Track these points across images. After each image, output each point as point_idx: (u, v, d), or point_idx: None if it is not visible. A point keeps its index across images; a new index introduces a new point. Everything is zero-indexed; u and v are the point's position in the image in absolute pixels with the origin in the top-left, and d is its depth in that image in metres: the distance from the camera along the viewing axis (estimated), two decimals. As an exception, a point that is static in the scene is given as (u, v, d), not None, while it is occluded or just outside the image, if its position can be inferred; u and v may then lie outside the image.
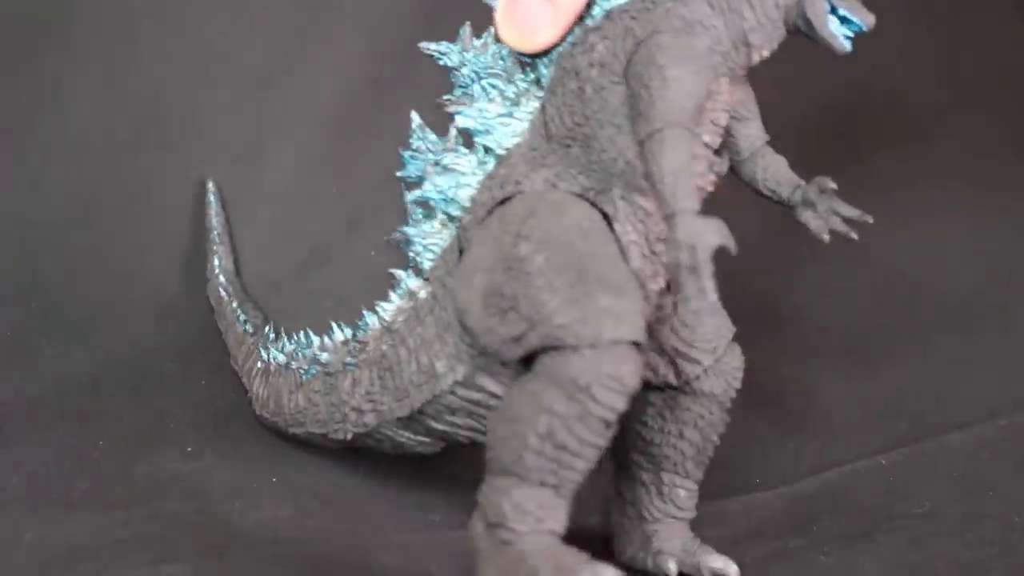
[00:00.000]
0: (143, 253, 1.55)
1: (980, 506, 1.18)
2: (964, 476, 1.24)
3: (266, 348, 1.31)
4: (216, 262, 1.53)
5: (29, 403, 1.34)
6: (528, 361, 0.95)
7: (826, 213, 1.04)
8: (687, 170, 0.91)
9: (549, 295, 0.93)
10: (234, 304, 1.46)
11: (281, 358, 1.27)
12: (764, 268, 1.47)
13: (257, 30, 1.61)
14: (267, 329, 1.36)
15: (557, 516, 0.93)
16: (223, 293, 1.49)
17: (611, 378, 0.90)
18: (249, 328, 1.40)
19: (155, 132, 1.59)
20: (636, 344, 0.92)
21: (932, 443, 1.30)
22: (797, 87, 1.52)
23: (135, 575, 0.98)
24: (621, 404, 0.91)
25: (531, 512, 0.92)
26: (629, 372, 0.91)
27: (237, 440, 1.27)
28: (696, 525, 1.14)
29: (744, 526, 1.17)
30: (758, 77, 1.06)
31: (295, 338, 1.26)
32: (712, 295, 0.87)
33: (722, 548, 1.11)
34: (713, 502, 1.20)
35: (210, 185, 1.57)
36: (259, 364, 1.31)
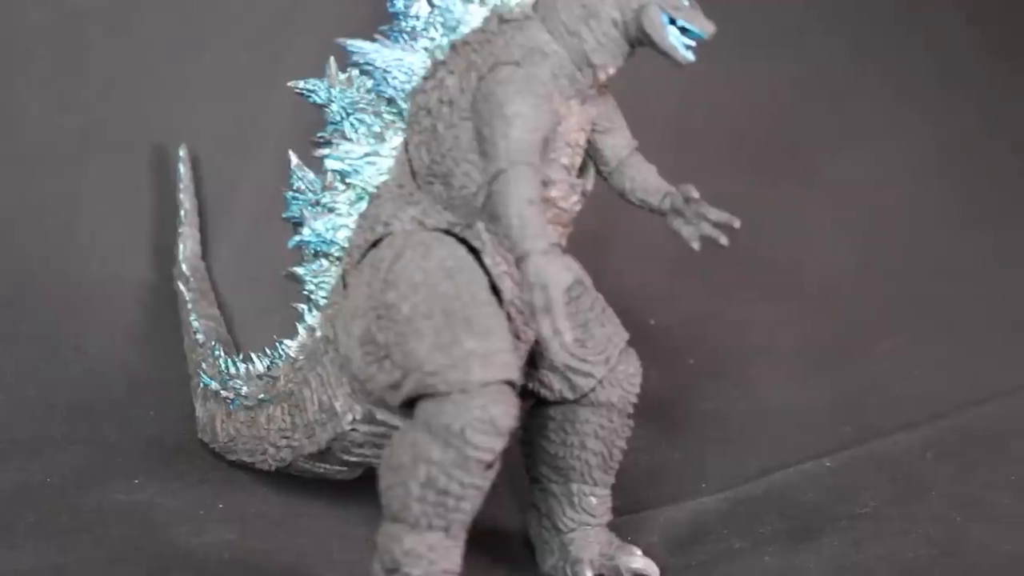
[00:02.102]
0: (93, 266, 1.53)
1: (923, 507, 1.19)
2: (908, 477, 1.25)
3: (202, 371, 1.31)
4: (182, 247, 1.51)
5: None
6: (414, 402, 0.96)
7: (695, 219, 1.03)
8: (534, 209, 0.90)
9: (417, 342, 0.94)
10: (189, 306, 1.44)
11: (213, 385, 1.27)
12: (705, 275, 1.47)
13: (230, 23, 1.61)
14: (212, 343, 1.35)
15: (450, 556, 0.95)
16: (183, 288, 1.48)
17: (483, 421, 0.91)
18: (200, 337, 1.39)
19: (113, 128, 1.58)
20: (509, 383, 0.93)
21: (876, 444, 1.31)
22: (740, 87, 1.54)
23: (77, 599, 0.99)
24: (498, 445, 0.92)
25: (423, 555, 0.94)
26: (501, 413, 0.92)
27: (184, 470, 1.28)
28: (640, 531, 1.15)
29: (689, 530, 1.17)
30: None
31: (226, 362, 1.26)
32: (567, 334, 0.87)
33: (667, 552, 1.12)
34: (658, 509, 1.21)
35: (182, 152, 1.54)
36: (200, 386, 1.31)
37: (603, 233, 1.39)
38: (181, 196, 1.53)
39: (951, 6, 1.71)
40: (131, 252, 1.55)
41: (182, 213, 1.53)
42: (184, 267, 1.50)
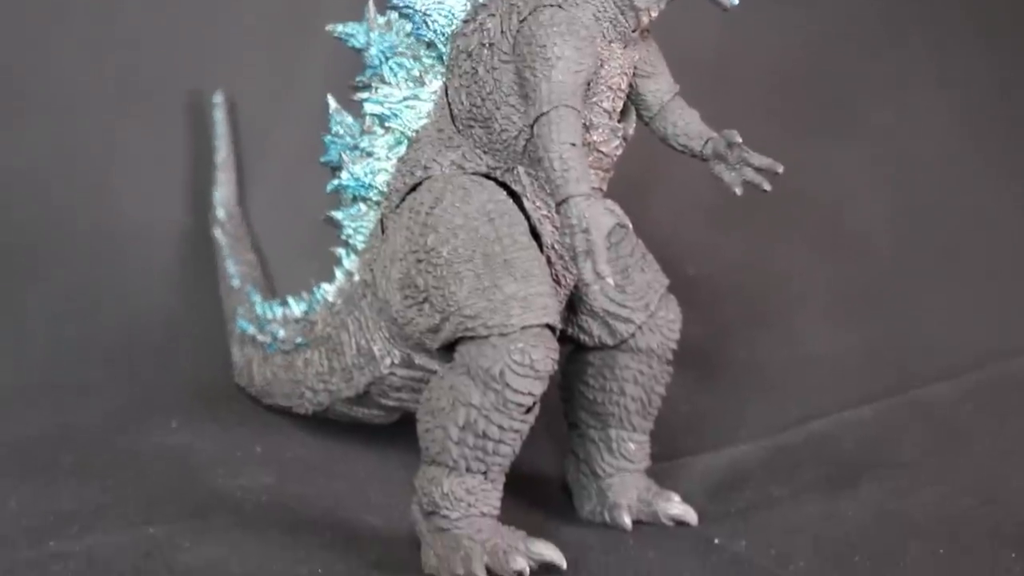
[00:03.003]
0: (131, 211, 1.52)
1: (963, 456, 1.19)
2: (948, 426, 1.25)
3: (238, 315, 1.31)
4: (218, 193, 1.51)
5: (17, 375, 1.35)
6: (453, 346, 0.96)
7: (738, 164, 1.01)
8: (576, 152, 0.90)
9: (457, 286, 0.94)
10: (225, 251, 1.45)
11: (250, 329, 1.27)
12: (745, 223, 1.47)
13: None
14: (249, 287, 1.36)
15: (489, 499, 0.96)
16: (219, 233, 1.48)
17: (523, 365, 0.91)
18: (236, 281, 1.39)
19: (149, 74, 1.56)
20: (549, 327, 0.93)
21: (917, 393, 1.31)
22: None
23: (119, 537, 1.01)
24: (537, 388, 0.93)
25: (462, 498, 0.94)
26: (541, 356, 0.92)
27: (221, 414, 1.29)
28: (678, 478, 1.15)
29: (728, 477, 1.18)
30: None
31: (263, 306, 1.27)
32: (609, 278, 0.87)
33: (705, 498, 1.13)
34: (697, 456, 1.21)
35: (218, 98, 1.54)
36: (237, 330, 1.31)
37: (642, 182, 1.38)
38: (217, 142, 1.53)
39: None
40: (167, 198, 1.55)
41: (218, 159, 1.53)
42: (220, 212, 1.50)
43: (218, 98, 1.54)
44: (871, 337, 1.42)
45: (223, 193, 1.51)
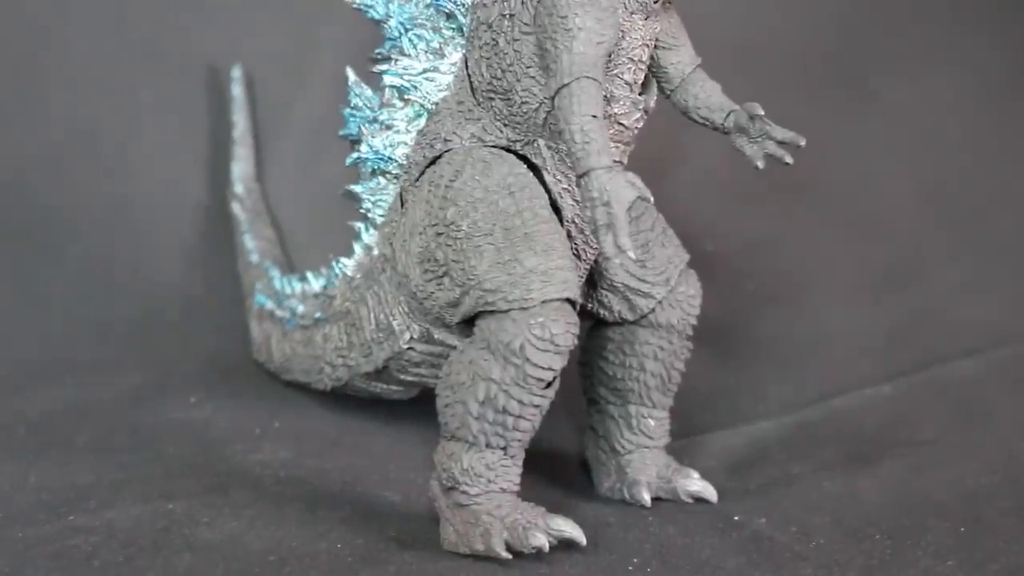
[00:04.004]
0: (148, 187, 1.53)
1: (984, 434, 1.19)
2: (969, 404, 1.24)
3: (257, 290, 1.31)
4: (236, 168, 1.51)
5: (36, 351, 1.36)
6: (473, 320, 0.96)
7: (760, 138, 1.00)
8: (598, 124, 0.89)
9: (477, 260, 0.94)
10: (244, 226, 1.45)
11: (268, 304, 1.27)
12: (765, 200, 1.46)
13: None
14: (267, 262, 1.35)
15: (508, 475, 0.95)
16: (237, 208, 1.48)
17: (543, 339, 0.91)
18: (254, 257, 1.39)
19: (166, 49, 1.56)
20: (569, 301, 0.93)
21: (937, 371, 1.30)
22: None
23: (138, 511, 1.01)
24: (557, 363, 0.92)
25: (481, 474, 0.94)
26: (561, 330, 0.91)
27: (240, 389, 1.29)
28: (697, 455, 1.15)
29: (748, 454, 1.17)
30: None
31: (282, 281, 1.26)
32: (630, 251, 0.86)
33: (725, 475, 1.12)
34: (716, 433, 1.21)
35: (236, 73, 1.54)
36: (255, 305, 1.31)
37: (661, 158, 1.37)
38: (235, 116, 1.53)
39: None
40: (185, 173, 1.55)
41: (236, 133, 1.52)
42: (239, 187, 1.50)
43: (236, 72, 1.53)
44: (891, 314, 1.41)
45: (241, 168, 1.51)
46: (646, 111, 1.01)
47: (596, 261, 1.03)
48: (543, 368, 0.91)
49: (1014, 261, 1.47)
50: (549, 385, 0.93)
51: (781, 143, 1.00)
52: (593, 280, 1.05)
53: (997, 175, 1.57)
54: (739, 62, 1.43)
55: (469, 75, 1.01)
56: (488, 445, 0.94)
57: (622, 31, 0.96)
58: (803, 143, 0.99)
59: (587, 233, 1.00)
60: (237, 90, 1.53)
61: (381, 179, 1.09)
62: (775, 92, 1.41)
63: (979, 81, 1.62)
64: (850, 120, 1.57)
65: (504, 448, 0.94)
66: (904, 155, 1.57)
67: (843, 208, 1.52)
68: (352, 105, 1.09)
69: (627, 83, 0.99)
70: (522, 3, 0.96)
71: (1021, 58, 1.64)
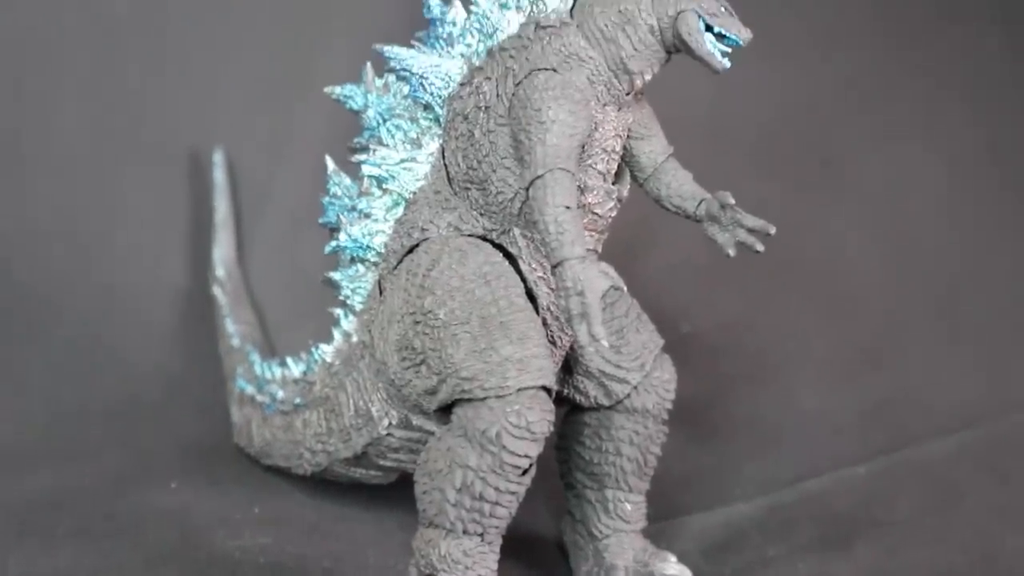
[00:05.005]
0: (130, 271, 1.54)
1: (958, 515, 1.19)
2: (943, 485, 1.25)
3: (237, 375, 1.31)
4: (217, 252, 1.52)
5: (16, 436, 1.35)
6: (451, 407, 0.97)
7: (731, 226, 1.02)
8: (570, 214, 0.91)
9: (454, 348, 0.95)
10: (224, 310, 1.46)
11: (249, 389, 1.28)
12: (739, 281, 1.47)
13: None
14: (248, 347, 1.36)
15: (486, 562, 0.96)
16: (218, 292, 1.49)
17: (519, 427, 0.92)
18: (235, 341, 1.40)
19: (148, 133, 1.58)
20: (545, 388, 0.94)
21: (911, 451, 1.31)
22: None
23: (119, 600, 1.00)
24: (534, 450, 0.93)
25: (459, 560, 0.95)
26: (537, 418, 0.93)
27: (220, 474, 1.29)
28: (674, 538, 1.15)
29: (724, 537, 1.18)
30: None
31: (262, 366, 1.27)
32: (604, 340, 0.87)
33: (701, 558, 1.13)
34: (693, 515, 1.21)
35: (217, 157, 1.55)
36: (236, 390, 1.32)
37: (636, 240, 1.39)
38: (216, 201, 1.54)
39: (981, 9, 1.70)
40: (166, 256, 1.56)
41: (217, 218, 1.54)
42: (219, 271, 1.51)
43: (218, 157, 1.55)
44: (866, 395, 1.42)
45: (223, 252, 1.52)
46: (620, 200, 1.02)
47: (572, 347, 1.05)
48: (519, 456, 0.92)
49: (987, 341, 1.49)
50: (525, 472, 0.94)
51: (752, 231, 1.01)
52: (569, 366, 1.06)
53: (971, 253, 1.59)
54: (712, 146, 1.46)
55: (446, 165, 1.03)
56: (465, 532, 0.94)
57: (595, 123, 0.98)
58: (773, 231, 1.00)
59: (562, 320, 1.01)
60: (219, 175, 1.55)
61: (360, 266, 1.10)
62: (748, 174, 1.44)
63: (951, 158, 1.64)
64: (823, 200, 1.59)
65: (481, 535, 0.95)
66: (878, 234, 1.58)
67: (817, 288, 1.53)
68: (331, 194, 1.10)
69: (600, 173, 1.00)
70: (497, 95, 0.98)
71: (993, 135, 1.67)
